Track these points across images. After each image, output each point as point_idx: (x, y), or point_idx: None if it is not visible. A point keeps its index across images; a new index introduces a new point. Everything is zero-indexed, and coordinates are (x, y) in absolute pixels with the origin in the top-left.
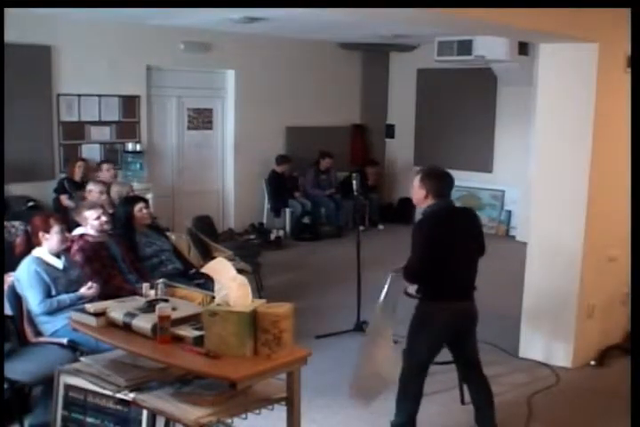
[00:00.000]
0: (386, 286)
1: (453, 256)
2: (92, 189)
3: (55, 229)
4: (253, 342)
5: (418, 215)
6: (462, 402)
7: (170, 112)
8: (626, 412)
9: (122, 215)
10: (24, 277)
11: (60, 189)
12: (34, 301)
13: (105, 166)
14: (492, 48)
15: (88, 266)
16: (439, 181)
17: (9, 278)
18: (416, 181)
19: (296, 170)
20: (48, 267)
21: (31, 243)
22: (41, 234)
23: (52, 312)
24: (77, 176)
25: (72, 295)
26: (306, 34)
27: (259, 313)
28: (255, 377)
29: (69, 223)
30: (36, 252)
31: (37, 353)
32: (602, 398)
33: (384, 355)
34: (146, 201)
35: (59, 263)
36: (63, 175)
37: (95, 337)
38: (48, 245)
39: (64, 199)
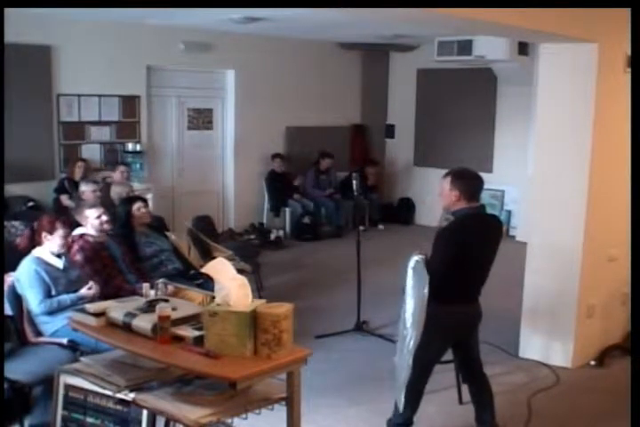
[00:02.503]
0: (410, 271)
1: (472, 263)
2: (85, 190)
3: (59, 232)
4: (253, 342)
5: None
6: (460, 402)
7: (170, 112)
8: (626, 412)
9: (121, 215)
10: (24, 277)
11: (60, 189)
12: (34, 301)
13: (121, 168)
14: (492, 48)
15: (88, 266)
16: (471, 182)
17: (9, 278)
18: (446, 183)
19: (295, 170)
20: (48, 267)
21: (34, 241)
22: (44, 234)
23: (52, 312)
24: (77, 176)
25: (72, 296)
26: (306, 34)
27: (259, 313)
28: (255, 377)
29: (72, 227)
30: (37, 251)
31: (37, 353)
32: (602, 398)
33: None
34: (144, 200)
35: (59, 263)
36: (63, 175)
37: (95, 337)
38: (49, 246)
39: (64, 199)
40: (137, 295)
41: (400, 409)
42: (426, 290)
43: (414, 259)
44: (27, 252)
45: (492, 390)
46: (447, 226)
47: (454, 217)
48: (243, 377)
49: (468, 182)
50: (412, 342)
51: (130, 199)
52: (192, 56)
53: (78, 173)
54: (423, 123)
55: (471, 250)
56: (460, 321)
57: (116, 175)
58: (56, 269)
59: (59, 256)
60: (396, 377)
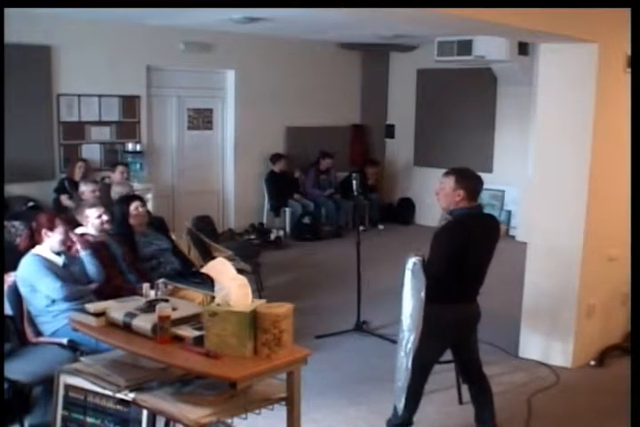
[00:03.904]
0: (407, 272)
1: (471, 263)
2: (84, 190)
3: (59, 229)
4: (253, 342)
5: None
6: (460, 402)
7: (170, 112)
8: (625, 412)
9: (118, 214)
10: (32, 271)
11: (60, 190)
12: (53, 286)
13: (120, 168)
14: (492, 48)
15: None
16: (475, 182)
17: (9, 278)
18: (449, 182)
19: (296, 170)
20: (48, 263)
21: (34, 239)
22: (44, 231)
23: (71, 298)
24: (77, 176)
25: (87, 286)
26: (306, 34)
27: (259, 313)
28: (255, 377)
29: (73, 225)
30: (36, 249)
31: (37, 353)
32: (602, 398)
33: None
34: (141, 199)
35: (59, 260)
36: (63, 175)
37: (95, 337)
38: (49, 244)
39: (64, 199)
40: (137, 295)
41: (399, 411)
42: (423, 293)
43: (412, 260)
44: (26, 251)
45: (491, 390)
46: (445, 226)
47: (452, 217)
48: (243, 377)
49: (473, 182)
50: (409, 345)
51: (127, 198)
52: (192, 56)
53: (78, 173)
54: (423, 123)
55: (470, 250)
56: (458, 321)
57: (116, 175)
58: (56, 267)
59: (58, 254)
60: (395, 379)
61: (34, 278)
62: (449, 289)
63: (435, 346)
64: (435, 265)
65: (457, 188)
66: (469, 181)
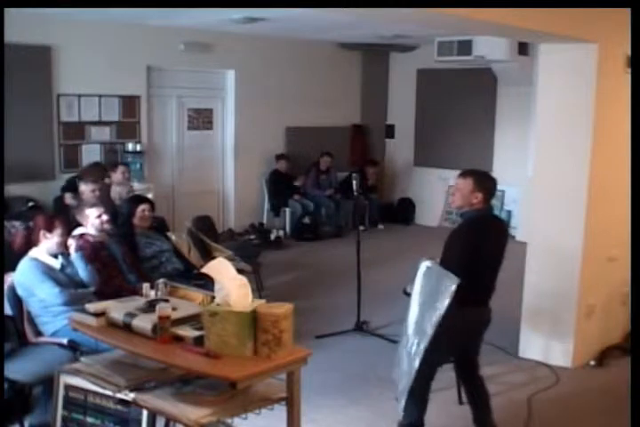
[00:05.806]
0: (420, 276)
1: (485, 265)
2: (84, 190)
3: (58, 231)
4: (253, 342)
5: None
6: (460, 402)
7: (170, 112)
8: (625, 412)
9: (124, 213)
10: (29, 277)
11: (67, 188)
12: (53, 292)
13: (121, 168)
14: (492, 48)
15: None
16: (494, 185)
17: (9, 278)
18: (467, 183)
19: (296, 170)
20: (45, 267)
21: (31, 241)
22: (42, 232)
23: (70, 303)
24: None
25: (85, 289)
26: (306, 34)
27: (259, 313)
28: (255, 377)
29: (72, 227)
30: (33, 253)
31: (37, 353)
32: (601, 398)
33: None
34: (151, 203)
35: (56, 263)
36: (73, 174)
37: (95, 337)
38: (47, 246)
39: (68, 197)
40: (137, 295)
41: (400, 413)
42: (454, 287)
43: (425, 264)
44: (21, 252)
45: (488, 390)
46: (458, 229)
47: (464, 218)
48: (243, 377)
49: (491, 185)
50: (413, 349)
51: (138, 199)
52: (192, 56)
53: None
54: (423, 123)
55: (484, 251)
56: (471, 325)
57: (117, 175)
58: (54, 271)
59: (55, 256)
60: (398, 382)
61: (32, 284)
62: (463, 292)
63: (446, 348)
64: (452, 267)
65: (475, 190)
66: (488, 184)
